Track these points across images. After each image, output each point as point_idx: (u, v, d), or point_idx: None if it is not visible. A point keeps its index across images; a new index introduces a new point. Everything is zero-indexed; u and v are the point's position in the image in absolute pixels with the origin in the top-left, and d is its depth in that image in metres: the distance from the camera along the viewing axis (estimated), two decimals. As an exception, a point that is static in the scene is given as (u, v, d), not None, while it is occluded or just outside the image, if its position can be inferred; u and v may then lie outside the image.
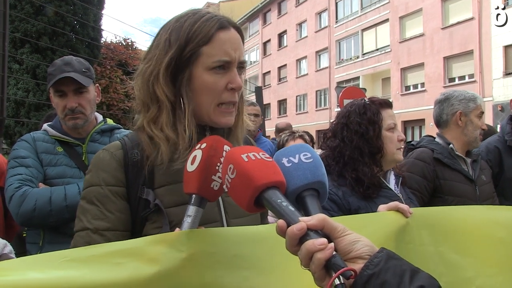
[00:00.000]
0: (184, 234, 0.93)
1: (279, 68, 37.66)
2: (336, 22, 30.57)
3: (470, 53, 21.61)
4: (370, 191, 1.81)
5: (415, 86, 24.97)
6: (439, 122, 2.68)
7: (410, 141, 2.79)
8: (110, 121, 2.29)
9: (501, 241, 1.39)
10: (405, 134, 22.89)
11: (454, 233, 1.38)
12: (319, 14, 32.60)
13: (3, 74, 4.61)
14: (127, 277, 0.86)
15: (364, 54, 28.40)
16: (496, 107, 19.79)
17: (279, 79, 37.77)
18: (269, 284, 1.00)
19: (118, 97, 17.05)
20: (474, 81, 21.19)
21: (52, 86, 2.06)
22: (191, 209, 0.97)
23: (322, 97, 32.51)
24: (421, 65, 24.18)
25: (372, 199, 1.80)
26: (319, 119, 31.09)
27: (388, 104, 1.97)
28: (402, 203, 1.46)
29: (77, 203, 1.18)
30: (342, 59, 30.33)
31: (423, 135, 4.58)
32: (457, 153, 2.55)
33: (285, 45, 36.97)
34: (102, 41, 16.32)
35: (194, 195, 0.97)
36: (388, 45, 26.35)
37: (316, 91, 32.75)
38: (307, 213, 0.83)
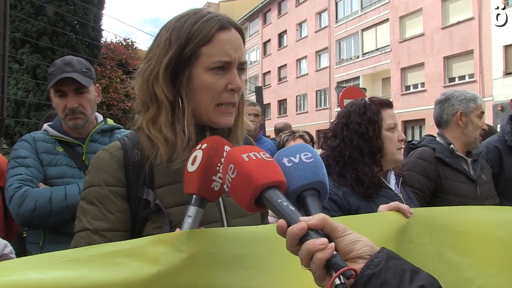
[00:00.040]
0: (184, 234, 0.93)
1: (279, 68, 37.65)
2: (336, 22, 30.56)
3: (470, 53, 21.61)
4: (370, 191, 1.81)
5: (415, 86, 24.97)
6: (440, 122, 2.68)
7: (411, 141, 2.79)
8: (110, 121, 2.29)
9: (500, 241, 1.39)
10: (405, 134, 22.86)
11: (454, 233, 1.38)
12: (319, 14, 32.59)
13: (3, 74, 4.61)
14: (127, 277, 0.86)
15: (364, 54, 28.39)
16: (496, 107, 19.79)
17: (279, 79, 37.75)
18: (269, 284, 1.00)
19: (118, 97, 17.08)
20: (474, 81, 21.19)
21: (53, 86, 2.06)
22: (192, 210, 0.97)
23: (322, 97, 32.50)
24: (421, 65, 24.17)
25: (372, 199, 1.80)
26: (319, 119, 31.08)
27: (388, 104, 1.96)
28: (403, 203, 1.46)
29: (77, 203, 1.17)
30: (342, 59, 30.32)
31: (423, 135, 4.58)
32: (457, 153, 2.55)
33: (285, 45, 36.96)
34: (102, 41, 16.35)
35: (194, 196, 0.97)
36: (388, 45, 26.34)
37: (316, 91, 32.74)
38: (307, 213, 0.83)
